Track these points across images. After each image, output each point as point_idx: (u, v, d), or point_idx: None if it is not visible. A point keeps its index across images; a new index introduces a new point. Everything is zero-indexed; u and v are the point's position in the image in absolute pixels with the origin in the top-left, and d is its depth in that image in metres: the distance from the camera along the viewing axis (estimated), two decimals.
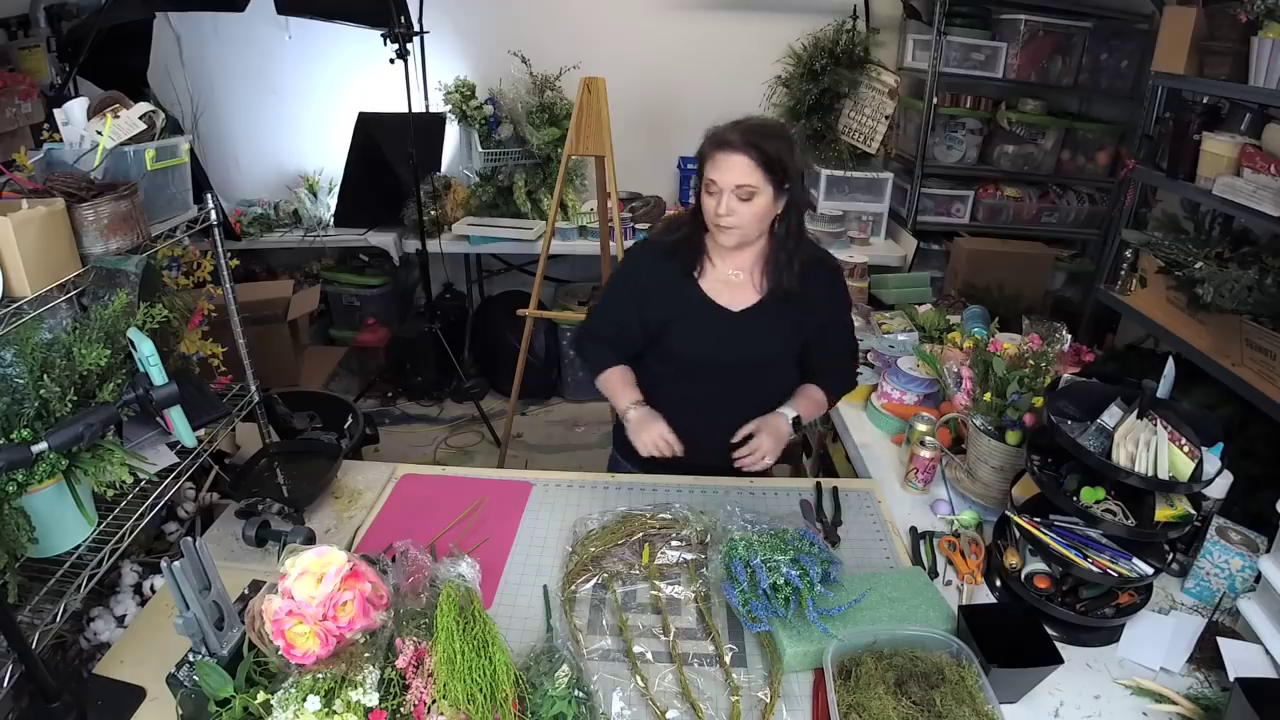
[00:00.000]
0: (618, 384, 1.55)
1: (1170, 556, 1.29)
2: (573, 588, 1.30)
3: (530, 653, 1.13)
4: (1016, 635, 1.13)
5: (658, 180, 3.77)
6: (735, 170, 1.36)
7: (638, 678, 1.12)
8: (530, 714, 1.00)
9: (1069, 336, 1.69)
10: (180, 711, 1.01)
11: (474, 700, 0.95)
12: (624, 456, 1.68)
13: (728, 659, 1.16)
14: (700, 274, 1.53)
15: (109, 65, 2.67)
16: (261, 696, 0.96)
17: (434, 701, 0.97)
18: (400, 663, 1.01)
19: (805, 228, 1.51)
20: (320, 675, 0.96)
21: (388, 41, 2.94)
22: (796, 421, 1.53)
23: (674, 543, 1.37)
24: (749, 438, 1.47)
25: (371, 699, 0.95)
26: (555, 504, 1.53)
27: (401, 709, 0.97)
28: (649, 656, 1.17)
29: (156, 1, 2.98)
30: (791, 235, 1.47)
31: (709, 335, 1.52)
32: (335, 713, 0.93)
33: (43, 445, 0.99)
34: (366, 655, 0.99)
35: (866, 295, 2.50)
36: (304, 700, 0.93)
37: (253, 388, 1.74)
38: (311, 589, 0.97)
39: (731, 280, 1.52)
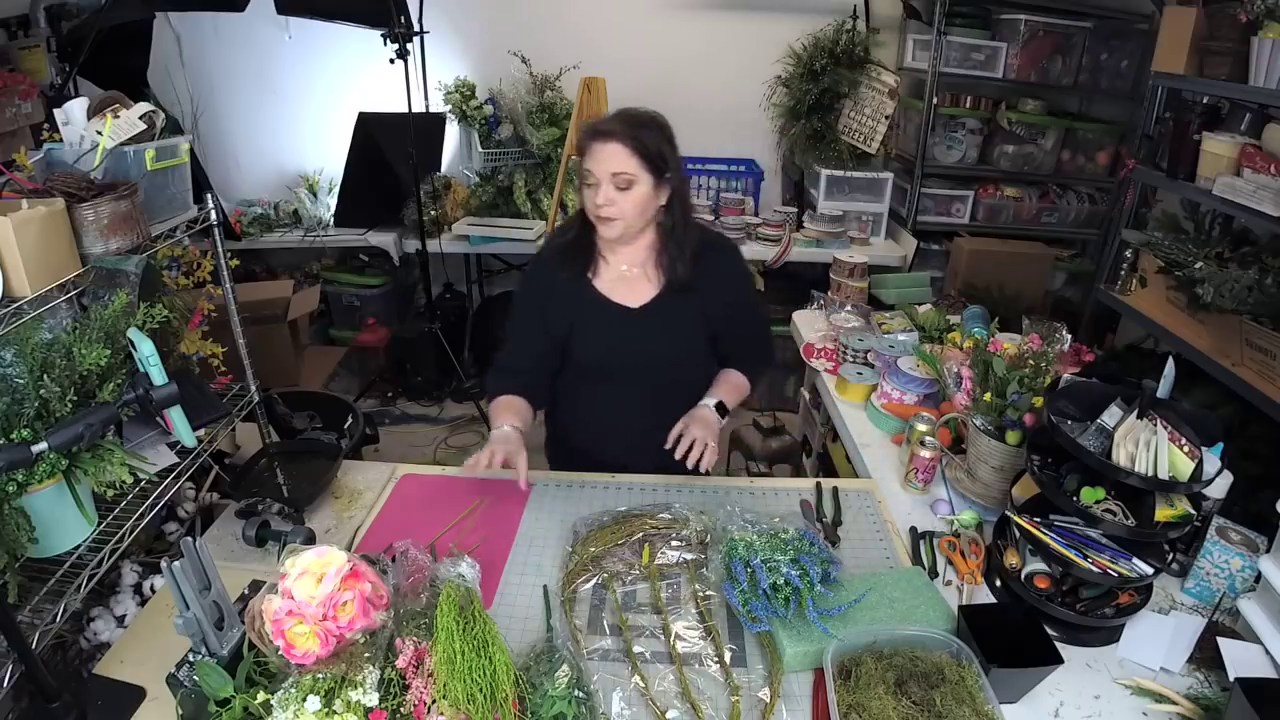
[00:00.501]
0: (500, 410, 1.51)
1: (1170, 556, 1.29)
2: (573, 588, 1.30)
3: (530, 653, 1.13)
4: (1016, 635, 1.13)
5: None
6: (611, 159, 1.36)
7: (637, 678, 1.12)
8: (530, 714, 1.00)
9: (1069, 336, 1.69)
10: (180, 711, 1.01)
11: (474, 700, 0.95)
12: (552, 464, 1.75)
13: (728, 659, 1.16)
14: (595, 274, 1.52)
15: (109, 65, 2.67)
16: (261, 696, 0.96)
17: (434, 702, 0.97)
18: (400, 663, 1.01)
19: (692, 216, 1.50)
20: (320, 675, 0.96)
21: (388, 41, 2.94)
22: (721, 408, 1.51)
23: (674, 543, 1.37)
24: (681, 440, 1.43)
25: (371, 699, 0.95)
26: (555, 504, 1.53)
27: (401, 709, 0.97)
28: (649, 656, 1.17)
29: (156, 1, 2.98)
30: (678, 225, 1.47)
31: (610, 334, 1.51)
32: (335, 713, 0.93)
33: (43, 445, 0.99)
34: (366, 655, 0.99)
35: (866, 295, 2.50)
36: (304, 700, 0.93)
37: (253, 388, 1.74)
38: (311, 589, 0.97)
39: (626, 276, 1.52)
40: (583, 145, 1.40)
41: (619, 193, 1.37)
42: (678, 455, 1.42)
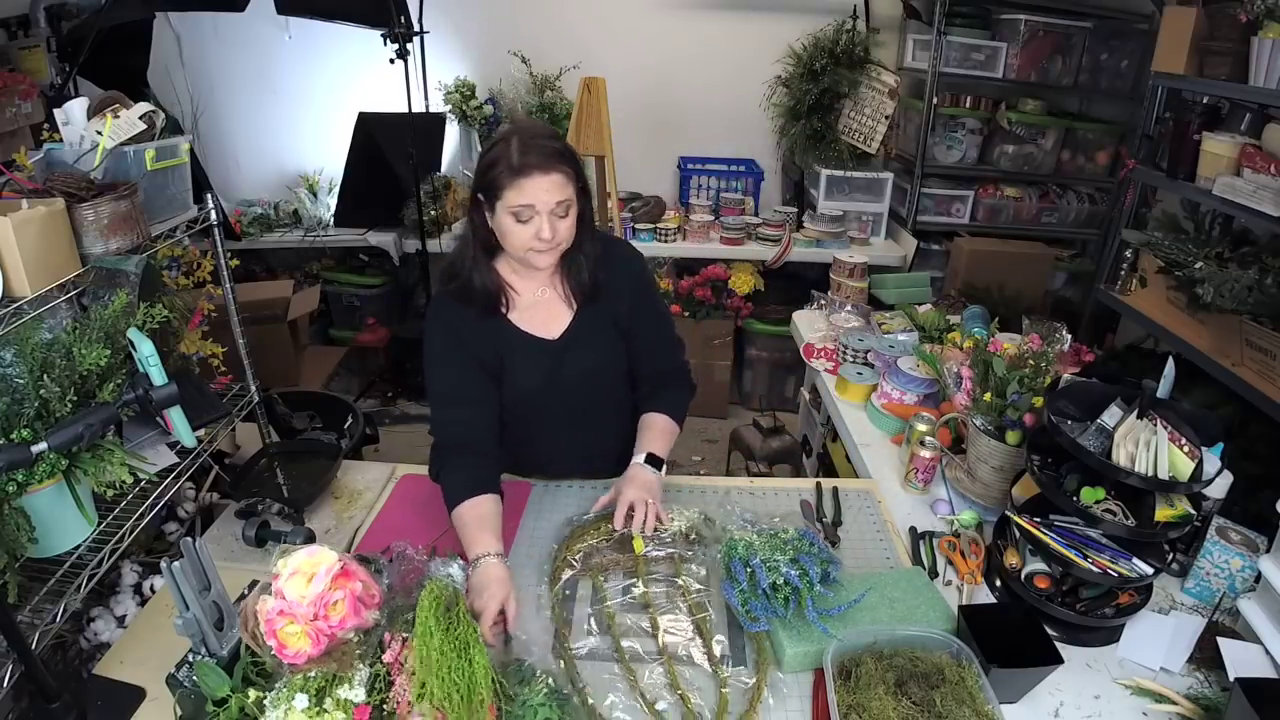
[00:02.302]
0: (472, 525, 1.28)
1: (1170, 556, 1.29)
2: (561, 585, 1.30)
3: (497, 664, 1.08)
4: (1016, 635, 1.13)
5: (658, 180, 3.77)
6: (553, 189, 1.26)
7: (626, 672, 1.13)
8: None
9: (1069, 336, 1.69)
10: (179, 711, 1.01)
11: (450, 700, 0.94)
12: None
13: (716, 651, 1.16)
14: (509, 308, 1.42)
15: (109, 65, 2.67)
16: (254, 695, 0.96)
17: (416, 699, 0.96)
18: (387, 657, 1.00)
19: (594, 222, 1.44)
20: (311, 674, 0.96)
21: (388, 41, 2.95)
22: (654, 460, 1.43)
23: (663, 537, 1.36)
24: (630, 516, 1.35)
25: (358, 694, 0.95)
26: (555, 504, 1.53)
27: (385, 705, 0.97)
28: (639, 651, 1.17)
29: (156, 1, 2.98)
30: (586, 232, 1.39)
31: (537, 370, 1.44)
32: (325, 710, 0.92)
33: (43, 445, 0.99)
34: (358, 654, 0.99)
35: (866, 295, 2.50)
36: (292, 699, 0.93)
37: (253, 388, 1.74)
38: (302, 588, 0.97)
39: (539, 300, 1.44)
40: (504, 182, 1.26)
41: (560, 221, 1.29)
42: (631, 529, 1.35)
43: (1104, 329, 2.93)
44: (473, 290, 1.39)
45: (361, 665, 0.98)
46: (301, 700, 0.92)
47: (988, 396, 1.51)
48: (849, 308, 2.39)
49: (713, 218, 3.55)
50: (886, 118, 3.22)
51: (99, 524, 1.26)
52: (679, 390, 1.56)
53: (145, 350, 1.19)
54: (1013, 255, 3.26)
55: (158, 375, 1.19)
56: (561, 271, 1.44)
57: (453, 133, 3.63)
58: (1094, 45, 3.21)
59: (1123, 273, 2.52)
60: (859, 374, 2.00)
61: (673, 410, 1.52)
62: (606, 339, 1.48)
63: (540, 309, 1.45)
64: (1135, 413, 1.22)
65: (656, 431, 1.48)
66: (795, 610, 1.16)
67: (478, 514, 1.30)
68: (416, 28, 3.03)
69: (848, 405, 1.98)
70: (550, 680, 1.05)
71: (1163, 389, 1.28)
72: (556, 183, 1.26)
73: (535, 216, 1.27)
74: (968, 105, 3.31)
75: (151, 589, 1.44)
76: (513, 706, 1.01)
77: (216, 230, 1.60)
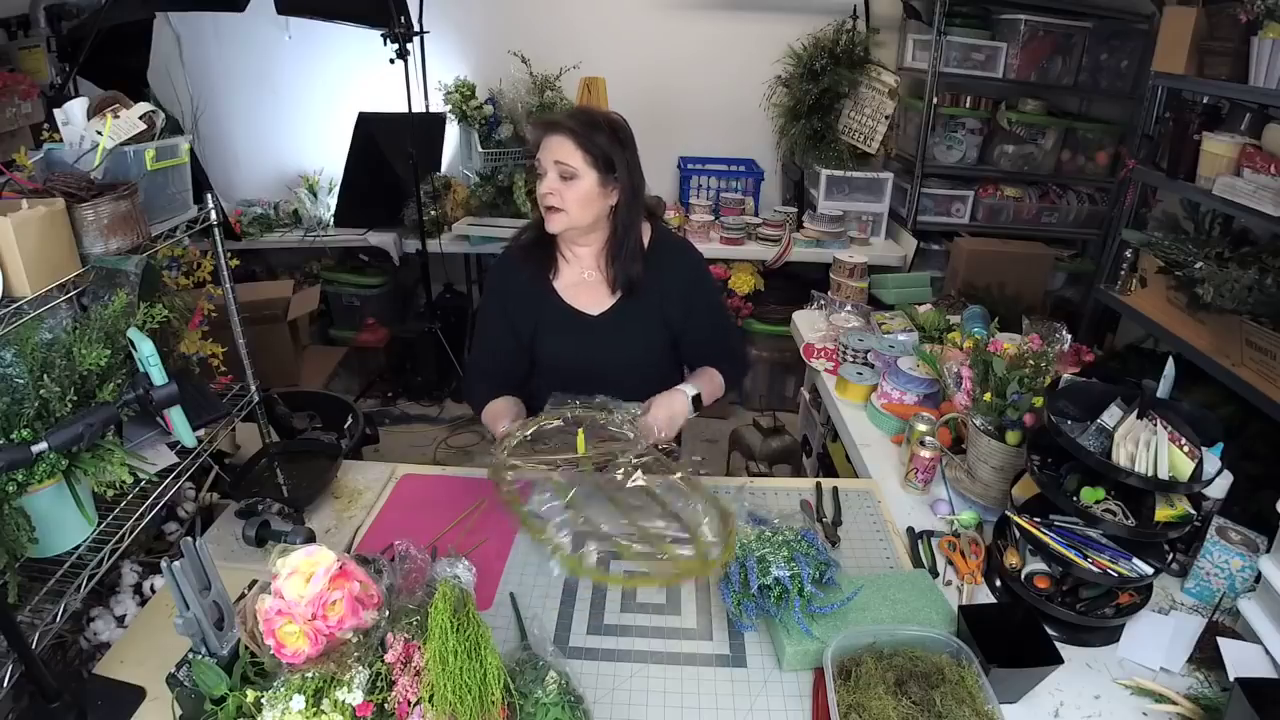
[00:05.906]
0: (495, 416, 1.52)
1: (1170, 556, 1.29)
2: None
3: (510, 660, 1.11)
4: (1016, 635, 1.13)
5: (658, 180, 3.77)
6: (556, 149, 1.40)
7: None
8: None
9: (1069, 336, 1.69)
10: (178, 710, 1.01)
11: (463, 701, 0.94)
12: None
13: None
14: (555, 276, 1.55)
15: (109, 65, 2.67)
16: (252, 695, 0.96)
17: (418, 702, 0.96)
18: (389, 657, 1.00)
19: (640, 219, 1.51)
20: (309, 675, 0.96)
21: (388, 41, 2.95)
22: (697, 400, 1.51)
23: (609, 429, 1.36)
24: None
25: (356, 698, 0.95)
26: None
27: (386, 705, 0.97)
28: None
29: (156, 1, 2.98)
30: (622, 225, 1.48)
31: (572, 341, 1.53)
32: (323, 712, 0.92)
33: (43, 445, 0.99)
34: (356, 655, 0.99)
35: (866, 295, 2.50)
36: (290, 699, 0.93)
37: (253, 388, 1.74)
38: (300, 588, 0.97)
39: (586, 280, 1.54)
40: (536, 138, 1.44)
41: (563, 183, 1.40)
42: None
43: (1104, 329, 2.93)
44: (531, 248, 1.54)
45: (360, 667, 0.98)
46: (298, 701, 0.92)
47: (988, 396, 1.51)
48: (849, 308, 2.39)
49: (713, 218, 3.55)
50: (886, 118, 3.22)
51: (99, 524, 1.25)
52: (733, 364, 1.66)
53: (145, 350, 1.19)
54: (1013, 255, 3.26)
55: (158, 375, 1.19)
56: (604, 257, 1.53)
57: (453, 133, 3.63)
58: (1094, 45, 3.21)
59: (1123, 273, 2.51)
60: (859, 374, 1.99)
61: (725, 375, 1.62)
62: (646, 330, 1.53)
63: (585, 289, 1.55)
64: (1135, 413, 1.22)
65: (706, 377, 1.58)
66: (787, 609, 1.16)
67: (499, 407, 1.53)
68: (416, 28, 3.03)
69: (848, 405, 1.98)
70: (563, 680, 1.05)
71: (1163, 389, 1.28)
72: (559, 144, 1.39)
73: (544, 173, 1.41)
74: (968, 105, 3.31)
75: (151, 589, 1.44)
76: (525, 703, 1.01)
77: (216, 230, 1.60)
